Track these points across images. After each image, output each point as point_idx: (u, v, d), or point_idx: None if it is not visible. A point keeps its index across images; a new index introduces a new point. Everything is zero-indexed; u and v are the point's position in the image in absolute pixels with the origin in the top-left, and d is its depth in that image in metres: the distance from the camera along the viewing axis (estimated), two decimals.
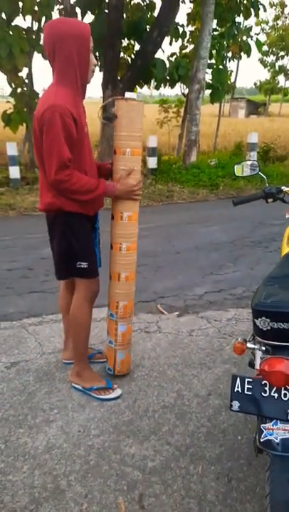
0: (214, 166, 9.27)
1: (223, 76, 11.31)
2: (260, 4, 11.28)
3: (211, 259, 4.36)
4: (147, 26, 9.75)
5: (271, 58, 30.40)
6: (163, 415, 2.22)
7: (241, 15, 11.06)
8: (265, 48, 26.45)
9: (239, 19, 11.38)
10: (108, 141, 9.54)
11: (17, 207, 6.84)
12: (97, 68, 9.89)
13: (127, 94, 2.16)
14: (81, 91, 2.11)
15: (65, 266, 2.26)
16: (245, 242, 4.84)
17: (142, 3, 10.76)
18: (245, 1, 10.92)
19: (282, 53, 29.27)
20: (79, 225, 2.18)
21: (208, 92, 10.80)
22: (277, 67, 31.24)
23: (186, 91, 10.61)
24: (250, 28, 12.39)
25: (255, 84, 35.40)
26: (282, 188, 2.24)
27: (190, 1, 11.25)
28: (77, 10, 9.66)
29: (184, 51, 11.74)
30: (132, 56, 10.45)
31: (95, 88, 10.47)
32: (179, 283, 3.78)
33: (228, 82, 13.48)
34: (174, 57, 10.94)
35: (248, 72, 27.19)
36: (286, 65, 31.06)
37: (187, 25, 11.55)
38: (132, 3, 10.74)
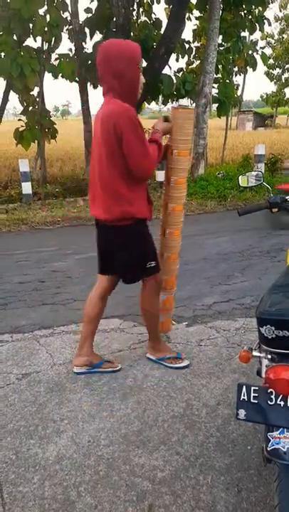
0: (222, 178, 9.31)
1: (230, 90, 11.44)
2: (265, 19, 11.45)
3: (220, 269, 4.37)
4: (154, 44, 9.93)
5: (277, 71, 30.66)
6: (172, 425, 2.22)
7: (246, 30, 11.22)
8: (271, 61, 26.69)
9: (244, 33, 11.56)
10: None
11: (29, 222, 6.95)
12: None
13: (181, 102, 2.39)
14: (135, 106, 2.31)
15: (139, 268, 2.49)
16: (253, 252, 4.84)
17: (148, 21, 10.97)
18: (250, 16, 11.08)
19: (288, 66, 29.48)
20: (146, 229, 2.48)
21: (214, 106, 10.94)
22: (283, 80, 31.47)
23: (194, 105, 10.73)
24: (256, 42, 12.54)
25: (261, 97, 35.62)
26: (287, 197, 2.26)
27: (195, 18, 11.44)
28: (86, 30, 9.90)
29: (190, 67, 11.92)
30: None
31: None
32: (188, 293, 3.79)
33: (235, 95, 13.61)
34: (181, 73, 11.08)
35: (254, 85, 27.46)
36: None
37: (193, 42, 11.77)
38: (139, 21, 10.95)
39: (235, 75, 13.54)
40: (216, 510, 1.75)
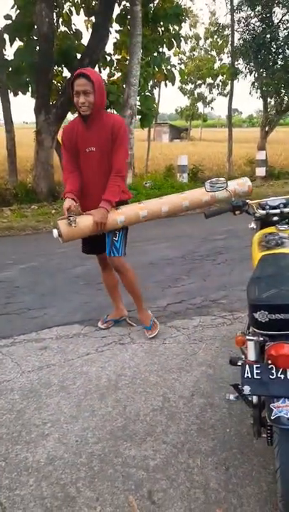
0: (150, 187, 9.63)
1: (150, 102, 11.91)
2: (181, 36, 12.11)
3: (166, 273, 4.57)
4: (76, 54, 10.06)
5: (190, 86, 32.35)
6: (154, 418, 2.33)
7: (165, 46, 11.76)
8: None
9: (162, 49, 12.11)
10: (43, 165, 9.59)
11: None
12: (28, 94, 10.04)
13: None
14: (81, 120, 2.85)
15: None
16: (194, 257, 5.11)
17: (68, 31, 11.07)
18: (167, 33, 11.64)
19: (199, 82, 31.22)
20: None
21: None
22: (196, 95, 33.25)
23: None
24: (169, 58, 13.18)
25: (176, 110, 37.36)
26: (247, 201, 2.49)
27: (116, 31, 11.75)
28: (6, 36, 9.73)
29: (111, 78, 12.18)
30: (62, 82, 10.67)
31: (29, 113, 10.53)
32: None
33: (155, 107, 14.14)
34: (103, 83, 11.29)
35: (168, 98, 28.66)
36: (203, 92, 33.18)
37: (114, 54, 12.04)
38: (59, 31, 10.98)
39: (151, 89, 14.08)
40: (210, 488, 1.90)
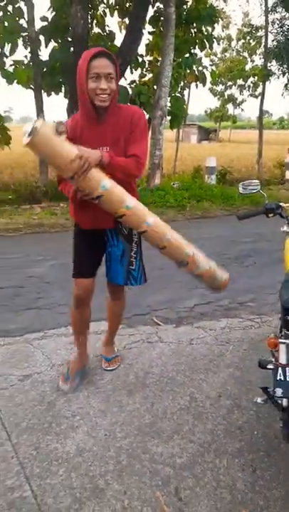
0: (178, 188, 9.64)
1: (181, 103, 11.95)
2: (214, 38, 12.09)
3: None
4: None
5: (220, 87, 32.27)
6: (181, 416, 2.36)
7: (197, 47, 11.77)
8: None
9: (194, 50, 12.11)
10: None
11: None
12: (61, 94, 10.23)
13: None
14: (93, 113, 2.23)
15: None
16: (222, 259, 5.09)
17: (102, 33, 11.20)
18: (200, 35, 11.64)
19: (230, 83, 31.08)
20: (75, 234, 2.68)
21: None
22: (226, 96, 33.13)
23: (147, 117, 11.03)
24: (200, 59, 13.17)
25: (205, 111, 37.33)
26: (281, 204, 2.50)
27: (148, 33, 11.82)
28: (41, 37, 9.94)
29: (143, 79, 12.27)
30: None
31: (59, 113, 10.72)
32: (169, 297, 3.96)
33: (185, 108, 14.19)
34: (134, 84, 11.41)
35: (197, 99, 28.58)
36: (234, 94, 33.00)
37: (146, 55, 12.12)
38: (93, 32, 11.13)
39: (182, 90, 14.12)
40: (236, 489, 1.91)
